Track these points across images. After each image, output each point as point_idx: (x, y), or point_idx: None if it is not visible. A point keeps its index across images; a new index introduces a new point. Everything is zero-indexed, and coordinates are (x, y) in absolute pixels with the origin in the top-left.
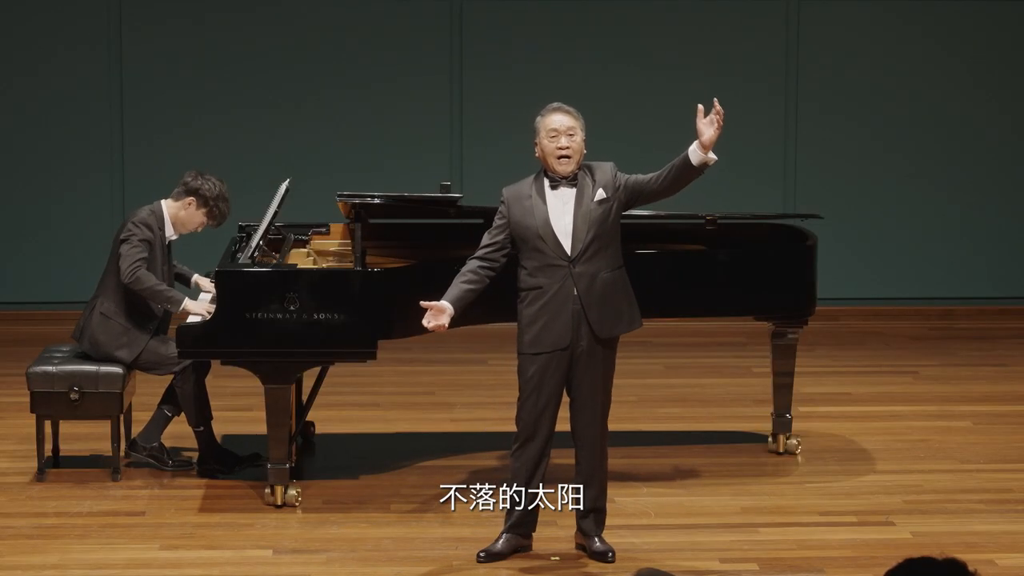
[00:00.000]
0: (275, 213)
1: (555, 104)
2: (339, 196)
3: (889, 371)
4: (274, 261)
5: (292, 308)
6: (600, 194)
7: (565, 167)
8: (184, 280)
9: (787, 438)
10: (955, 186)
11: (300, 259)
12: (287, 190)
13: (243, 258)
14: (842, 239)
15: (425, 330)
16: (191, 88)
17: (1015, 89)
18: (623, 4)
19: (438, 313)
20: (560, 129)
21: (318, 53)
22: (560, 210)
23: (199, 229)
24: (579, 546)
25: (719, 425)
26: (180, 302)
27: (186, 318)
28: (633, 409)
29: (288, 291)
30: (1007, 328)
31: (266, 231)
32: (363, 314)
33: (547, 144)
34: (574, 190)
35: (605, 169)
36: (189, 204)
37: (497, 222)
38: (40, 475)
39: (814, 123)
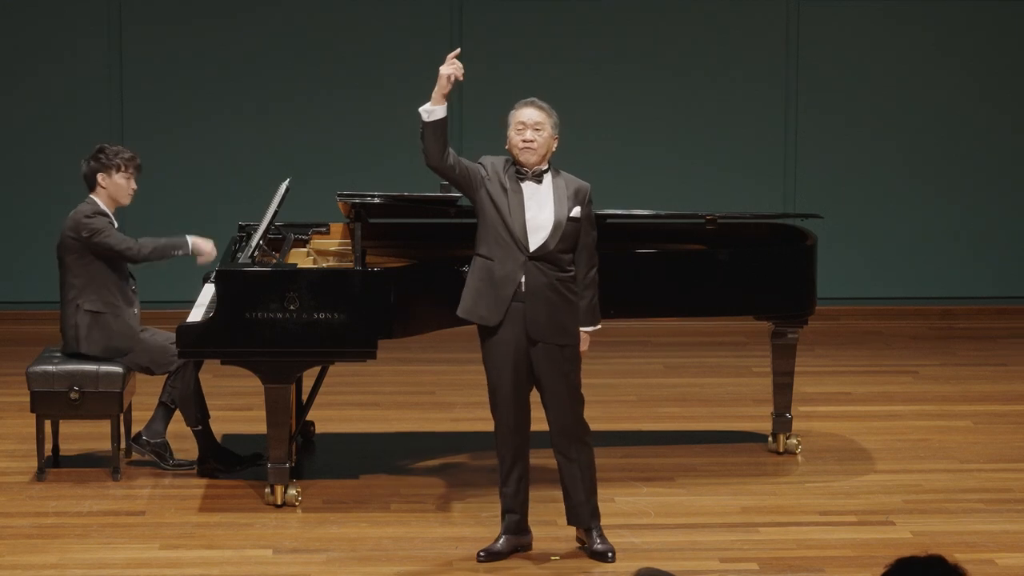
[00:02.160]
0: (275, 213)
1: (528, 99)
2: (339, 196)
3: (889, 371)
4: (274, 261)
5: (292, 308)
6: (576, 212)
7: (528, 156)
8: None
9: (787, 438)
10: (955, 186)
11: (300, 259)
12: (287, 190)
13: (243, 258)
14: (842, 239)
15: (425, 330)
16: (191, 88)
17: (1015, 89)
18: (623, 4)
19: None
20: (527, 123)
21: (318, 53)
22: (530, 203)
23: (133, 191)
24: (579, 540)
25: (719, 425)
26: (186, 243)
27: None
28: (633, 409)
29: (288, 291)
30: (1007, 328)
31: (266, 231)
32: (363, 314)
33: (513, 136)
34: (541, 187)
35: (584, 190)
36: (103, 180)
37: (472, 165)
38: (40, 475)
39: (814, 123)
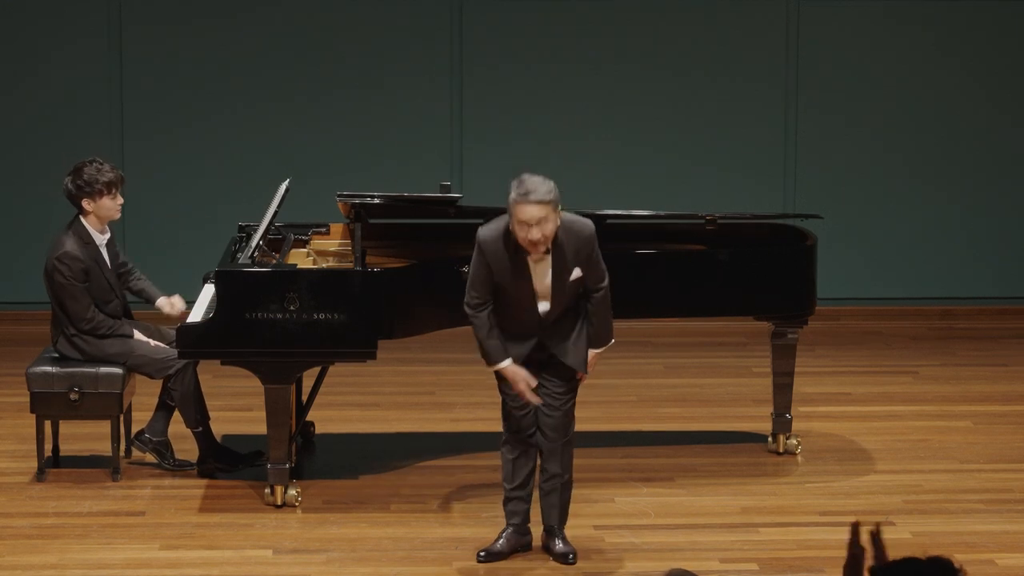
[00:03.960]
0: (275, 213)
1: (527, 187)
2: (339, 196)
3: (889, 371)
4: (274, 261)
5: (292, 308)
6: (576, 273)
7: (536, 252)
8: (147, 297)
9: (787, 438)
10: (955, 186)
11: (300, 259)
12: (287, 190)
13: (243, 258)
14: (842, 239)
15: (425, 330)
16: (191, 88)
17: (1015, 89)
18: (623, 4)
19: (522, 379)
20: (530, 222)
21: (318, 53)
22: (535, 272)
23: (120, 205)
24: (544, 547)
25: (719, 425)
26: (131, 335)
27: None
28: (633, 409)
29: (288, 291)
30: (1007, 328)
31: (266, 231)
32: (363, 314)
33: (518, 230)
34: (549, 257)
35: (584, 247)
36: (88, 204)
37: (480, 273)
38: (40, 475)
39: (814, 123)
